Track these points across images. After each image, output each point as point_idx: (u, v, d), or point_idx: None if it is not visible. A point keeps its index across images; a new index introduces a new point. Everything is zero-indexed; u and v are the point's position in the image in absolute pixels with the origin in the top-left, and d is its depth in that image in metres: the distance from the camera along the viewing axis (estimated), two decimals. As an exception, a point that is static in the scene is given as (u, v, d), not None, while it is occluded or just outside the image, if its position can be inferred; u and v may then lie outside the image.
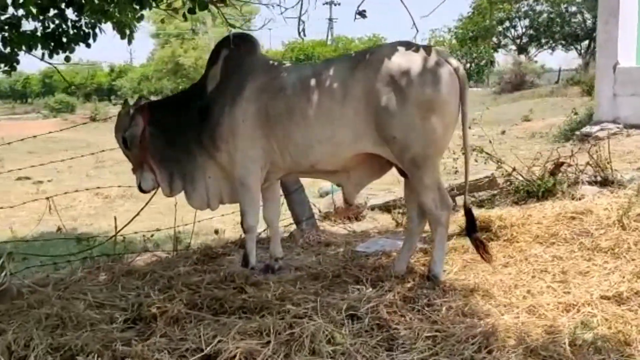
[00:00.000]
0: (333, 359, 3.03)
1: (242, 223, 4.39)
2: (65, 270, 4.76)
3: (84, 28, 5.69)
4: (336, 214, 7.00)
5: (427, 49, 3.89)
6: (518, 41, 43.19)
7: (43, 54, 5.61)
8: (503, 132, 16.31)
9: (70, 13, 5.60)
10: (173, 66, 41.04)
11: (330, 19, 48.36)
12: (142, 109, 4.40)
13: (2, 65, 5.54)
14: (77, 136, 24.10)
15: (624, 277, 3.95)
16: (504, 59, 40.84)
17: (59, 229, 5.14)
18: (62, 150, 19.78)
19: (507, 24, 42.83)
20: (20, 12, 5.23)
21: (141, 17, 5.62)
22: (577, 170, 6.67)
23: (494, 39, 43.32)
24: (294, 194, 5.35)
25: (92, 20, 5.53)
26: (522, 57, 37.85)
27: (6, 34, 5.40)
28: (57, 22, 5.60)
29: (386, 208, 7.34)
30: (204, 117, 4.21)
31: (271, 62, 4.32)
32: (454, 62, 3.87)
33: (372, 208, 7.61)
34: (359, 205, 7.36)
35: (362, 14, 4.17)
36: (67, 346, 3.13)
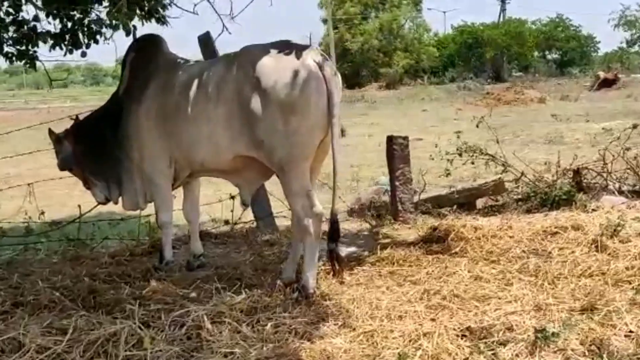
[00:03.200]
0: (124, 364, 3.06)
1: (156, 219, 4.51)
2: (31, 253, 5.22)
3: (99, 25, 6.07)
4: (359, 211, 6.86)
5: (301, 49, 3.69)
6: None
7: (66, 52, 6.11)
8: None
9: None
10: (340, 51, 41.76)
11: (503, 0, 45.58)
12: (68, 132, 4.65)
13: (23, 62, 6.13)
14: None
15: (510, 310, 3.47)
16: None
17: (42, 213, 5.63)
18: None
19: None
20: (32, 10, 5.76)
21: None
22: (608, 177, 5.83)
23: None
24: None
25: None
26: None
27: (26, 31, 5.95)
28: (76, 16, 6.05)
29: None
30: (116, 120, 4.37)
31: (178, 60, 4.35)
32: (325, 63, 3.64)
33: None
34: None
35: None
36: None
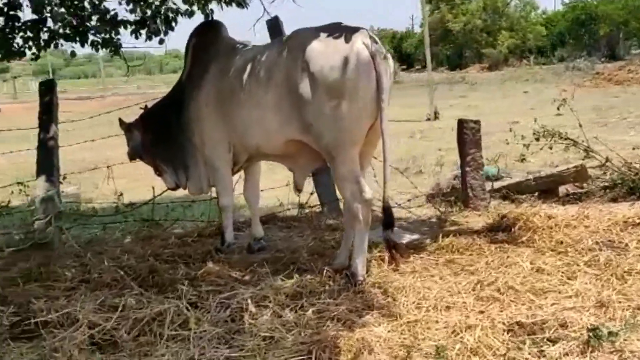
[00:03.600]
0: (168, 342, 3.15)
1: (217, 202, 4.59)
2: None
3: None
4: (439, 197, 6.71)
5: (352, 32, 3.60)
6: None
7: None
8: None
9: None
10: (441, 32, 40.80)
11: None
12: (136, 122, 4.79)
13: (107, 49, 6.41)
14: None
15: (569, 306, 3.27)
16: None
17: (120, 194, 5.88)
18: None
19: None
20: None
21: None
22: None
23: None
24: (319, 176, 5.32)
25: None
26: None
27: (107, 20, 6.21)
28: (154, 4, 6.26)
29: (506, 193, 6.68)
30: (180, 107, 4.47)
31: (237, 45, 4.37)
32: (375, 47, 3.53)
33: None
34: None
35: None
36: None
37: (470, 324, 3.09)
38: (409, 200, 6.24)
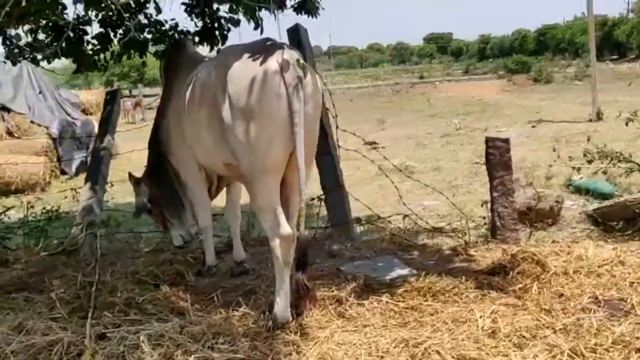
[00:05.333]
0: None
1: (196, 224, 4.47)
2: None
3: None
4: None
5: (272, 50, 3.25)
6: None
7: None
8: None
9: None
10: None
11: None
12: (142, 176, 4.70)
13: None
14: (515, 100, 24.24)
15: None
16: None
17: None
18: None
19: None
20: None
21: None
22: None
23: None
24: (330, 195, 4.93)
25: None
26: None
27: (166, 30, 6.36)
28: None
29: (600, 217, 5.75)
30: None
31: (204, 59, 4.18)
32: (290, 66, 3.15)
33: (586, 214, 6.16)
34: (554, 206, 6.11)
35: None
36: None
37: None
38: (458, 221, 5.57)
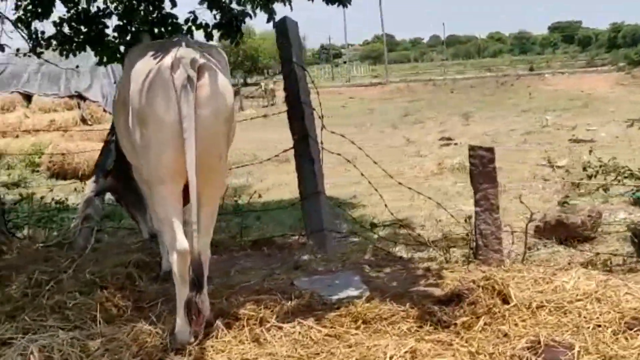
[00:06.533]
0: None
1: (152, 226, 4.30)
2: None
3: None
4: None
5: (170, 48, 2.98)
6: None
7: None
8: None
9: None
10: None
11: None
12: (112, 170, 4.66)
13: None
14: (627, 95, 22.44)
15: None
16: None
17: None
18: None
19: None
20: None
21: None
22: None
23: None
24: (307, 201, 4.58)
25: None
26: None
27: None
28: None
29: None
30: None
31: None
32: (182, 65, 2.86)
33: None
34: (587, 220, 5.52)
35: None
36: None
37: None
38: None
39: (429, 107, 22.90)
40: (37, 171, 10.97)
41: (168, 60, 2.91)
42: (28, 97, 13.84)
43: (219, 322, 3.25)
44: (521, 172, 9.09)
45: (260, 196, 6.25)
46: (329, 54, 71.27)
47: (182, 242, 3.01)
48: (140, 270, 4.34)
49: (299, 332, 3.23)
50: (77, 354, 3.06)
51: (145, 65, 3.01)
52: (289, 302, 3.59)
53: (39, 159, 10.91)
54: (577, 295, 3.31)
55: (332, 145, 5.01)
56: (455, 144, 12.59)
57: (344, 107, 27.66)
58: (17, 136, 12.14)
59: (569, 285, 3.44)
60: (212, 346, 3.12)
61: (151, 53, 3.06)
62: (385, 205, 5.01)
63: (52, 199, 6.03)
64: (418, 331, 3.15)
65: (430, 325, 3.18)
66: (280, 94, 12.27)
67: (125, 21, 6.13)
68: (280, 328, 3.27)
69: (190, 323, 3.02)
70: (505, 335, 3.00)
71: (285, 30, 4.83)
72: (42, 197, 6.19)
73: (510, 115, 18.10)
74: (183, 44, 3.01)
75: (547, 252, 4.86)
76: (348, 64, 59.16)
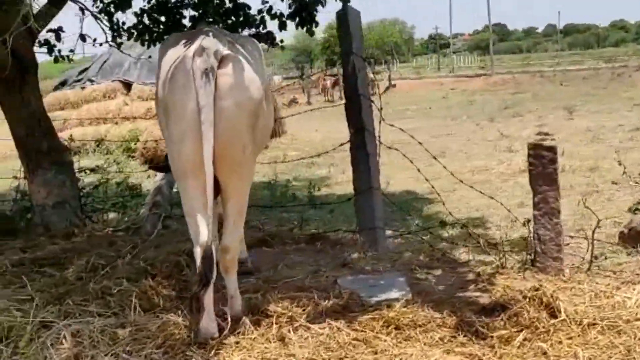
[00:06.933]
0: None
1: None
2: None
3: None
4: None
5: (196, 38, 2.93)
6: None
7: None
8: None
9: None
10: None
11: None
12: None
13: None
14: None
15: None
16: None
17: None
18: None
19: None
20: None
21: None
22: None
23: None
24: (361, 197, 4.42)
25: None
26: None
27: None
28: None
29: None
30: None
31: None
32: (203, 54, 2.80)
33: None
34: None
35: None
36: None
37: None
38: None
39: (533, 100, 21.81)
40: (132, 157, 11.44)
41: (192, 49, 2.86)
42: (128, 86, 14.55)
43: (246, 319, 3.19)
44: (618, 173, 8.43)
45: (319, 189, 6.12)
46: (437, 44, 70.03)
47: (204, 236, 2.96)
48: (191, 259, 4.36)
49: (327, 334, 3.11)
50: (106, 342, 3.10)
51: (172, 55, 2.99)
52: (326, 301, 3.47)
53: (135, 145, 11.37)
54: (637, 314, 2.98)
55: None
56: (553, 139, 11.85)
57: (445, 98, 26.99)
58: (116, 123, 12.72)
59: (630, 302, 3.10)
60: (236, 343, 3.06)
61: (181, 42, 3.03)
62: (443, 204, 4.75)
63: (127, 184, 6.22)
64: (451, 341, 2.94)
65: (465, 336, 2.96)
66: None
67: (200, 12, 6.23)
68: (309, 328, 3.17)
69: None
70: (545, 353, 2.74)
71: (346, 20, 4.66)
72: (118, 183, 6.39)
73: (621, 109, 16.86)
74: (210, 34, 2.95)
75: (623, 261, 4.43)
76: (454, 54, 57.80)
